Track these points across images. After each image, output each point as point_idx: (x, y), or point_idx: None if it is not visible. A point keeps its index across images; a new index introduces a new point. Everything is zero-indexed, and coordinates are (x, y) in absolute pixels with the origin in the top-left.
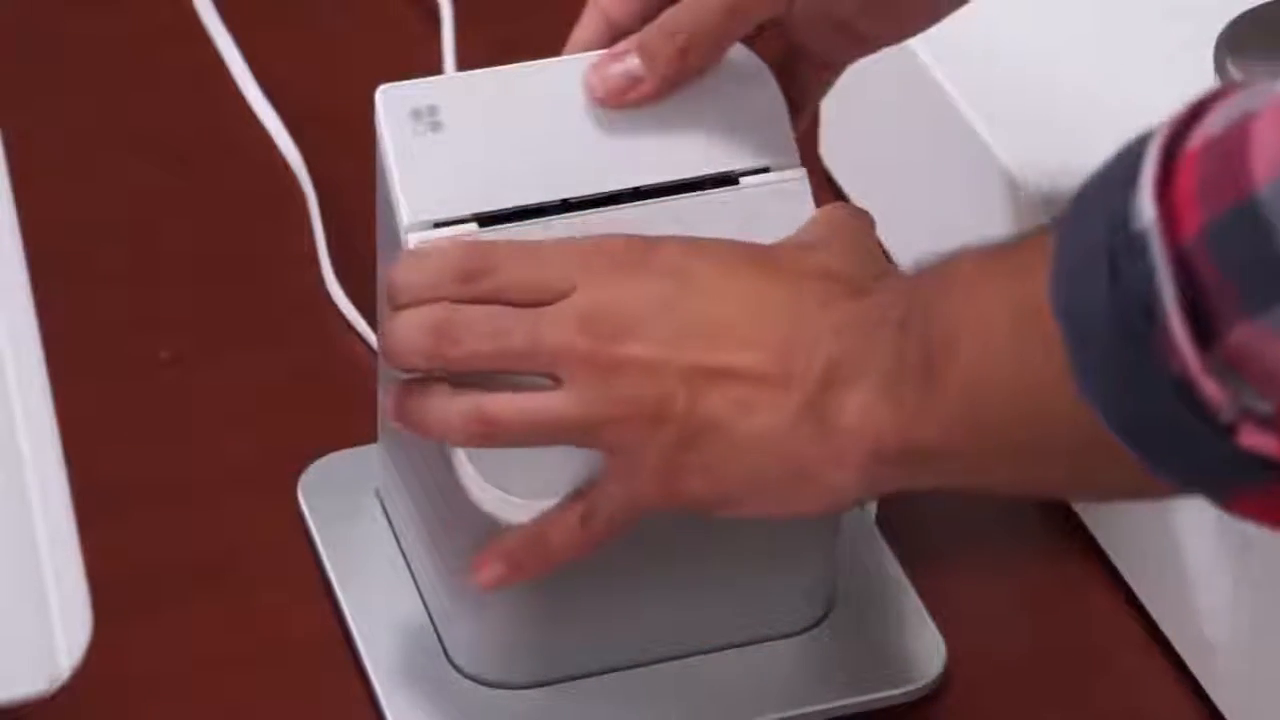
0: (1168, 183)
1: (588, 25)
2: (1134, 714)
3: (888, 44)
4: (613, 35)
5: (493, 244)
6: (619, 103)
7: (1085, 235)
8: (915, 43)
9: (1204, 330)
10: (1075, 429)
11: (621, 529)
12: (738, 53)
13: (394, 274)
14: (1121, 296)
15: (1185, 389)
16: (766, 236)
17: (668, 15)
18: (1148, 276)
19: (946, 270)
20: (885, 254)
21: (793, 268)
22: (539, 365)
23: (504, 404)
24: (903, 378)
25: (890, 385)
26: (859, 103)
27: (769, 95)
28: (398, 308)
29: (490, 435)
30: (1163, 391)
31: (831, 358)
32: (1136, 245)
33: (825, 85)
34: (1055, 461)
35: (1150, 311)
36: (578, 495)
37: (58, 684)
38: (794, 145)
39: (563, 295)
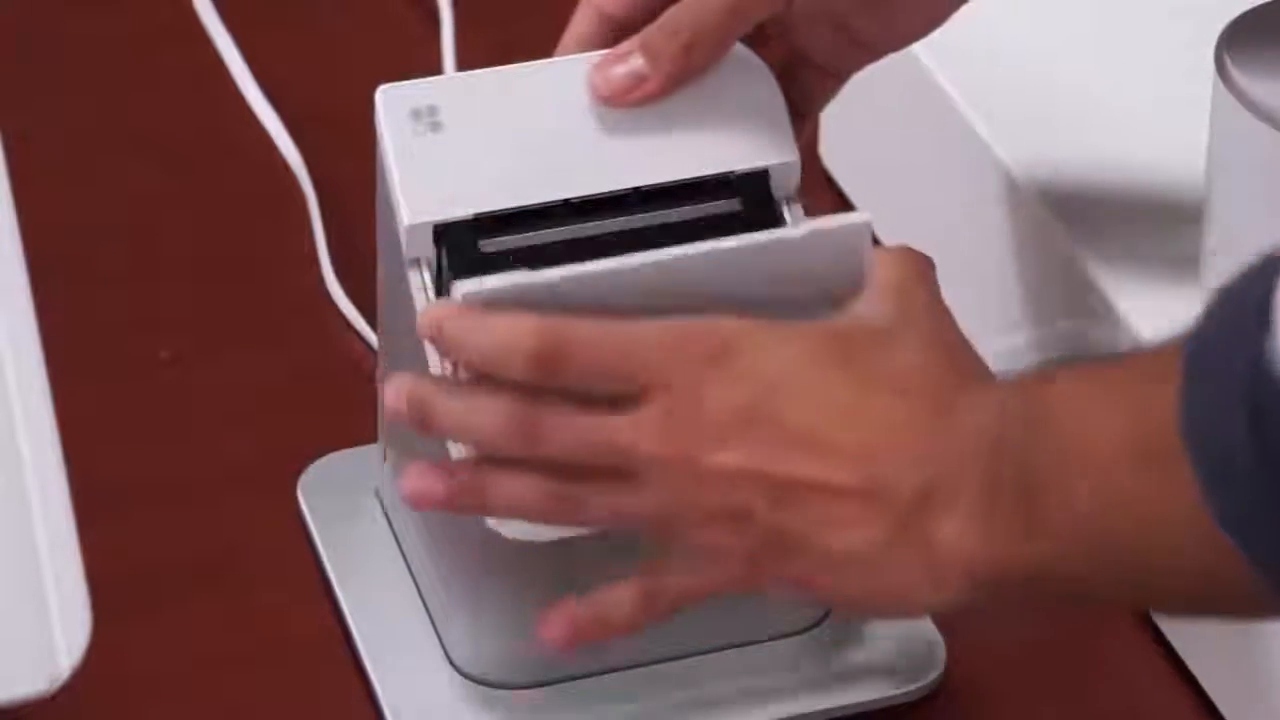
0: None
1: (581, 21)
2: (1134, 714)
3: (889, 49)
4: (607, 30)
5: (569, 324)
6: (623, 102)
7: (1220, 371)
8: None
9: None
10: (1202, 551)
11: (684, 610)
12: (738, 52)
13: (455, 328)
14: (1269, 439)
15: None
16: (821, 288)
17: (669, 14)
18: None
19: (1041, 389)
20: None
21: (876, 372)
22: (620, 465)
23: (591, 496)
24: (998, 502)
25: (985, 512)
26: (859, 103)
27: (769, 94)
28: (457, 365)
29: (568, 516)
30: None
31: (923, 480)
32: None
33: (828, 94)
34: (1176, 584)
35: None
36: (645, 573)
37: (58, 684)
38: (794, 145)
39: (643, 390)
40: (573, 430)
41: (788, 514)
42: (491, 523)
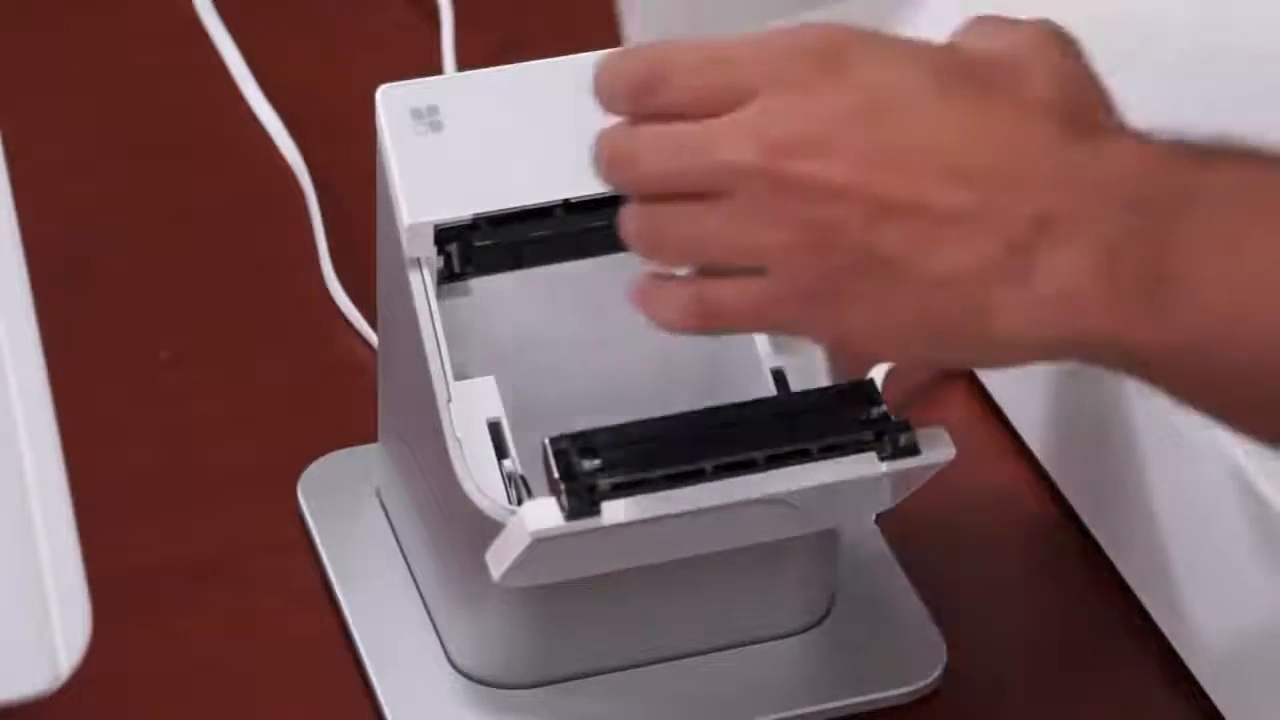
0: None
1: None
2: (1133, 714)
3: None
4: None
5: (672, 48)
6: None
7: None
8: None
9: None
10: None
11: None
12: None
13: (594, 72)
14: None
15: None
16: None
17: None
18: None
19: (1209, 173)
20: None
21: (1012, 94)
22: (715, 184)
23: (671, 220)
24: (1124, 262)
25: (1105, 265)
26: None
27: None
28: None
29: (651, 247)
30: None
31: (1044, 207)
32: None
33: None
34: None
35: None
36: (703, 278)
37: (58, 684)
38: None
39: (746, 99)
40: (661, 148)
41: (883, 235)
42: (470, 492)
